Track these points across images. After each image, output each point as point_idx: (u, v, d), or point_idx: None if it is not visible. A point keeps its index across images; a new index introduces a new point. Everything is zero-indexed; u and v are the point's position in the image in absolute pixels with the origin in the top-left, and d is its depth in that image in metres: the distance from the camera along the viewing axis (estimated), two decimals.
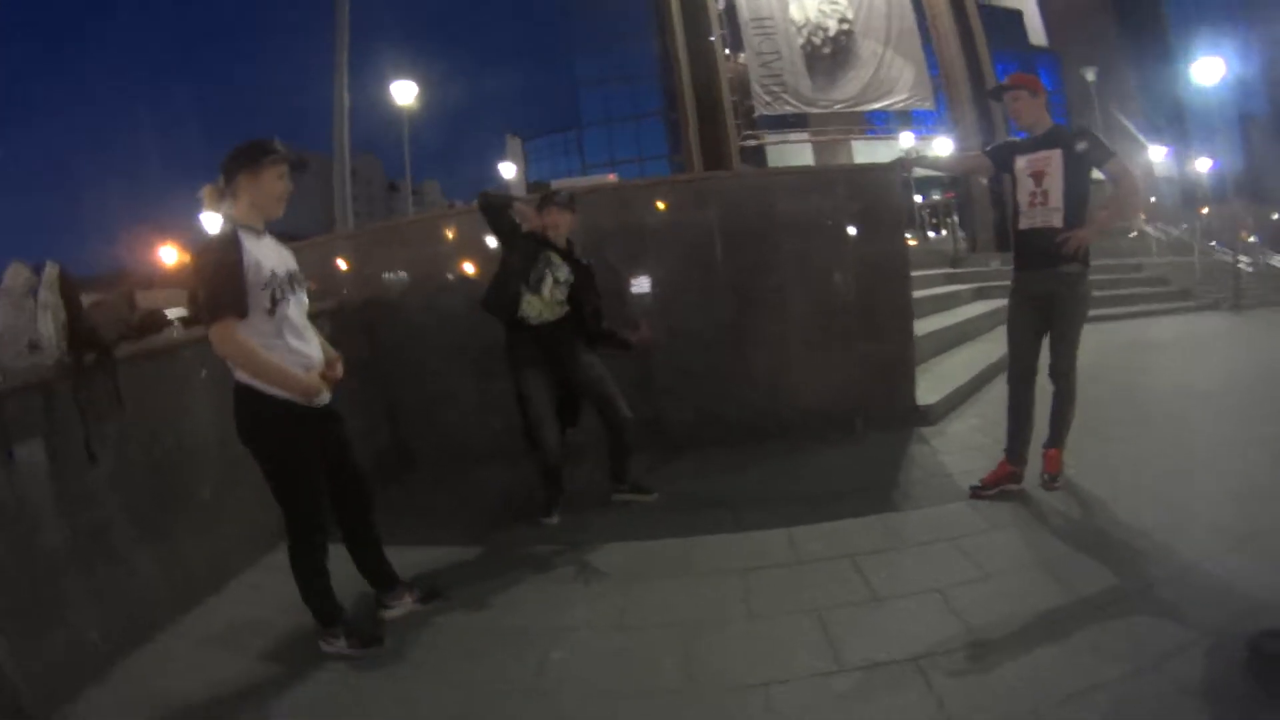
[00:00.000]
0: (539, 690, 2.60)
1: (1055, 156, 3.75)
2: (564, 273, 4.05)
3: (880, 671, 2.44)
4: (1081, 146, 3.70)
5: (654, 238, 5.41)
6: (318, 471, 2.83)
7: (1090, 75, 27.47)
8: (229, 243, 2.62)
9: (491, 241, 4.40)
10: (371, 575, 3.17)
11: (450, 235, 5.72)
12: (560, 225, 4.10)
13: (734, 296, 5.34)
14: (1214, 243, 17.28)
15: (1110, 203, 3.94)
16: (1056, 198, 3.75)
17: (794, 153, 22.26)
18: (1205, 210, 22.94)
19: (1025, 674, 2.34)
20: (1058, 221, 3.74)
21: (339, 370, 2.93)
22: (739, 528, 3.76)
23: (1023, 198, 3.88)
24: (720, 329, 5.34)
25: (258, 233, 2.75)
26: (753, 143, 20.82)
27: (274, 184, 2.76)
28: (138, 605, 3.04)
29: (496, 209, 4.16)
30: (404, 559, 3.30)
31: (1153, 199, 29.26)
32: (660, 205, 5.51)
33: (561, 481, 4.17)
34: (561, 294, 4.05)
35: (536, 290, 3.99)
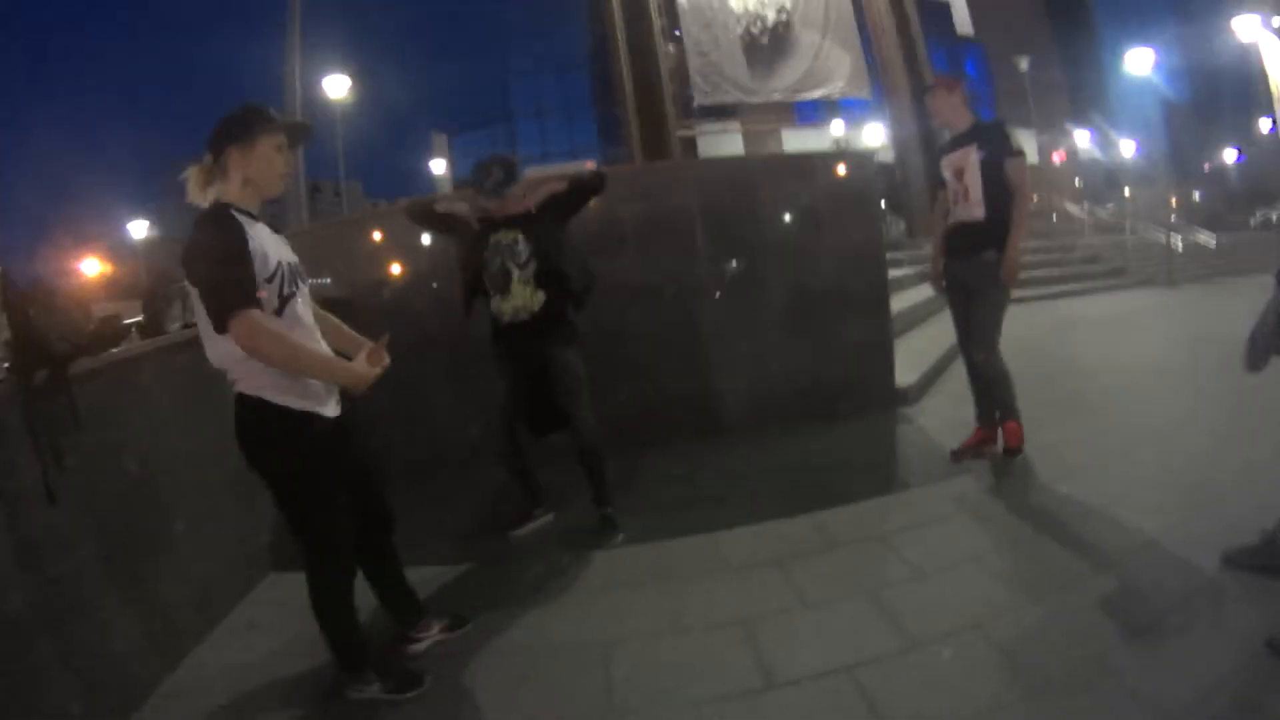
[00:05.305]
0: (616, 710, 2.35)
1: (971, 152, 3.90)
2: (524, 254, 3.54)
3: (952, 641, 2.45)
4: (988, 141, 3.87)
5: (633, 225, 5.18)
6: (340, 493, 2.42)
7: (1024, 65, 28.17)
8: (227, 220, 2.17)
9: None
10: (395, 606, 2.80)
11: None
12: (504, 209, 3.63)
13: (715, 283, 5.24)
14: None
15: (1014, 227, 3.88)
16: (976, 192, 3.89)
17: (727, 143, 22.00)
18: (1127, 191, 23.81)
19: (1078, 626, 2.45)
20: (980, 215, 3.90)
21: (385, 357, 2.46)
22: (757, 518, 3.62)
23: (950, 195, 4.05)
24: (702, 317, 5.23)
25: (253, 217, 2.29)
26: (687, 133, 20.61)
27: (271, 158, 2.31)
28: (118, 667, 2.57)
29: (418, 218, 3.90)
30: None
31: (1078, 181, 30.37)
32: (640, 192, 5.27)
33: (530, 489, 3.88)
34: (529, 277, 3.55)
35: (504, 290, 3.57)
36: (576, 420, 3.65)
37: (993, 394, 4.09)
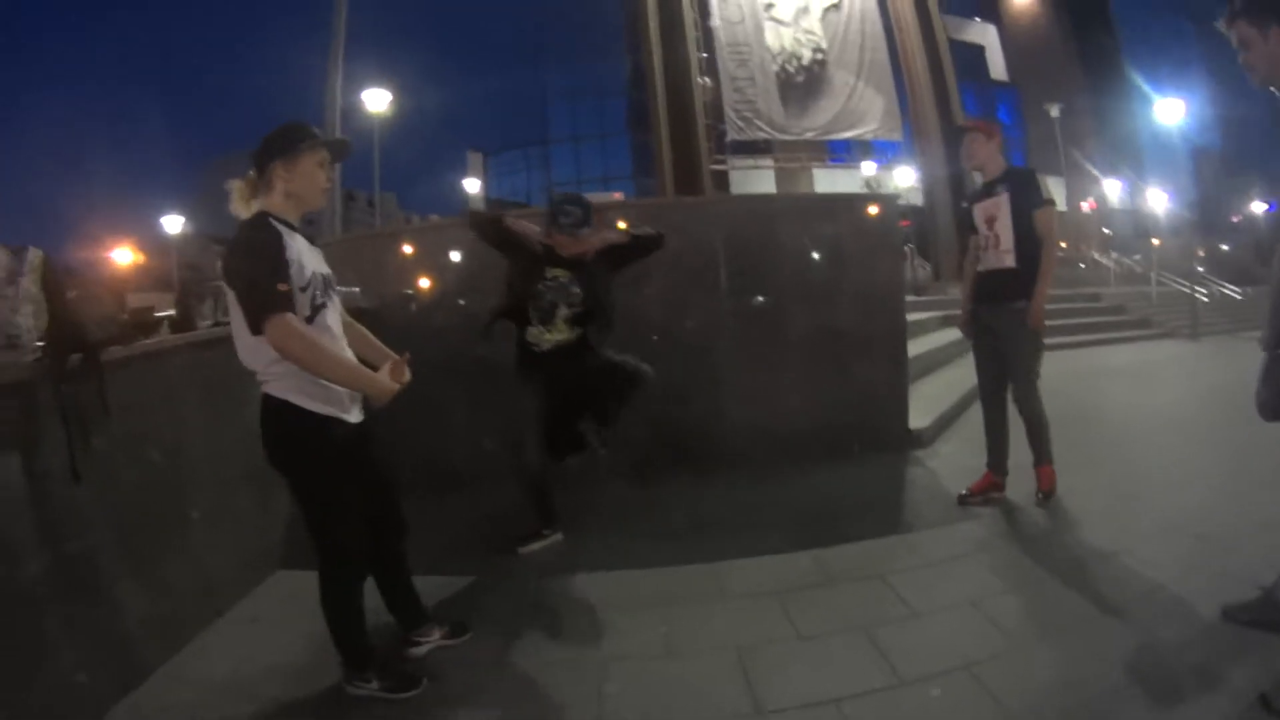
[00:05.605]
0: None
1: (1003, 200, 3.90)
2: (577, 295, 3.71)
3: (942, 680, 2.44)
4: (1019, 188, 3.88)
5: (660, 258, 5.21)
6: (357, 496, 2.51)
7: (1055, 111, 28.09)
8: (268, 227, 2.30)
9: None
10: (400, 610, 2.85)
11: (451, 246, 5.42)
12: (571, 248, 3.70)
13: (735, 319, 5.31)
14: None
15: (1041, 275, 3.89)
16: (1007, 240, 3.90)
17: (757, 178, 22.16)
18: (1157, 242, 23.63)
19: (1072, 672, 2.44)
20: (1010, 262, 3.90)
21: (407, 373, 2.55)
22: (760, 551, 3.63)
23: (981, 242, 4.05)
24: (721, 351, 5.29)
25: (292, 228, 2.41)
26: (719, 167, 20.73)
27: (314, 173, 2.45)
28: (126, 645, 2.64)
29: (480, 227, 3.93)
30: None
31: (1107, 230, 30.10)
32: (669, 226, 5.32)
33: (547, 507, 3.91)
34: (571, 316, 3.72)
35: (547, 322, 3.71)
36: (625, 364, 3.77)
37: (1029, 438, 4.06)
